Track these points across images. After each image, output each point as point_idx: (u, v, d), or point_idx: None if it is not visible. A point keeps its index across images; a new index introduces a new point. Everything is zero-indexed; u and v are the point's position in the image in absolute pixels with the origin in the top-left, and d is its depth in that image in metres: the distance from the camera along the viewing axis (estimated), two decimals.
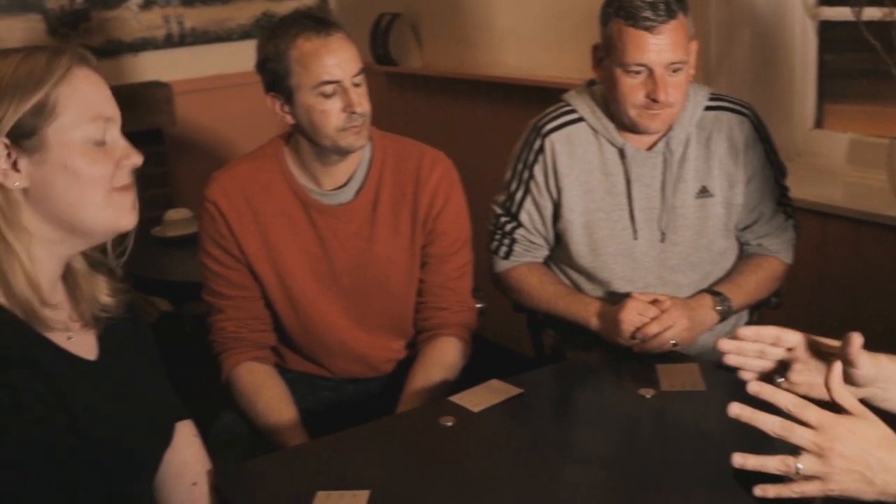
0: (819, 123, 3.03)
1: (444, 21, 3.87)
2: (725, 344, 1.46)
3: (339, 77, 1.94)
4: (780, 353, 1.46)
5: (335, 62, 1.94)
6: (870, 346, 2.73)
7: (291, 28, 1.95)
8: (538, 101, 3.36)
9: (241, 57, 4.03)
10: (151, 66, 3.95)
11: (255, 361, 2.11)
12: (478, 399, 1.83)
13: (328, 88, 1.94)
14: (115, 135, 1.38)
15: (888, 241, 2.62)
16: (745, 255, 2.25)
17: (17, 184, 1.31)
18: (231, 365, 2.10)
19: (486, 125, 3.71)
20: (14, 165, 1.31)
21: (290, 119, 2.02)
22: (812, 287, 2.72)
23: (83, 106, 1.33)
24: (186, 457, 1.63)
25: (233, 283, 2.10)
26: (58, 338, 1.37)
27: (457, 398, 1.83)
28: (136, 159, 1.39)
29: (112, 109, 1.38)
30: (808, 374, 1.48)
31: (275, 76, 1.98)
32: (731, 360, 1.48)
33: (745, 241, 2.24)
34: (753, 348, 1.47)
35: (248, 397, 2.07)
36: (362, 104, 1.97)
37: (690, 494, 1.52)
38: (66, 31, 3.77)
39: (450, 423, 1.75)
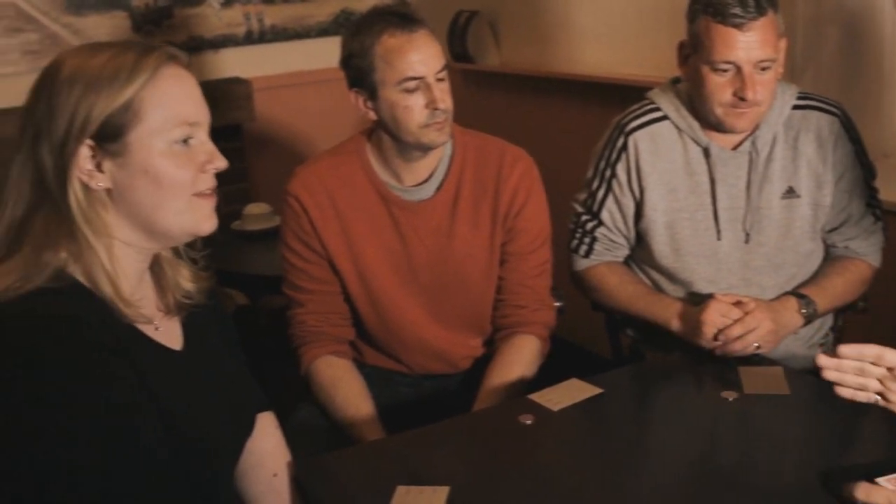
0: None
1: (523, 18, 3.84)
2: (824, 360, 1.42)
3: (422, 73, 1.95)
4: (880, 372, 1.42)
5: (419, 58, 1.94)
6: None
7: (376, 24, 1.96)
8: (617, 99, 3.34)
9: (320, 54, 4.14)
10: (232, 63, 4.00)
11: (334, 356, 2.12)
12: (557, 398, 1.81)
13: (412, 84, 1.95)
14: (201, 137, 1.37)
15: None
16: (831, 258, 2.20)
17: (100, 185, 1.32)
18: (311, 358, 2.11)
19: (563, 124, 3.69)
20: (98, 166, 1.32)
21: (373, 115, 2.03)
22: None
23: (168, 110, 1.33)
24: (267, 447, 1.65)
25: (314, 277, 2.12)
26: (145, 328, 1.39)
27: (536, 396, 1.82)
28: (221, 163, 1.38)
29: (199, 114, 1.37)
30: None
31: (359, 72, 1.99)
32: (828, 375, 1.44)
33: (831, 243, 2.19)
34: (853, 365, 1.43)
35: (327, 391, 2.08)
36: (445, 101, 1.98)
37: (772, 501, 1.50)
38: (150, 28, 3.83)
39: (529, 422, 1.74)
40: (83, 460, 1.20)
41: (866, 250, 2.18)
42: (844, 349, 1.42)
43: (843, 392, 1.44)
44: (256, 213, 3.25)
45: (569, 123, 3.65)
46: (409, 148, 2.03)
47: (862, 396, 1.43)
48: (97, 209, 1.32)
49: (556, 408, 1.78)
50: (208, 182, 1.38)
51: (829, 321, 2.26)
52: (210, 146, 1.38)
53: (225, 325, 1.61)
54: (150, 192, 1.33)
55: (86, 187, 1.32)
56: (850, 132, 2.13)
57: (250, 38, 4.05)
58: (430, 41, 1.98)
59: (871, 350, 1.42)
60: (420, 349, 2.17)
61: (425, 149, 2.03)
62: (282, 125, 4.13)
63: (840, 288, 2.14)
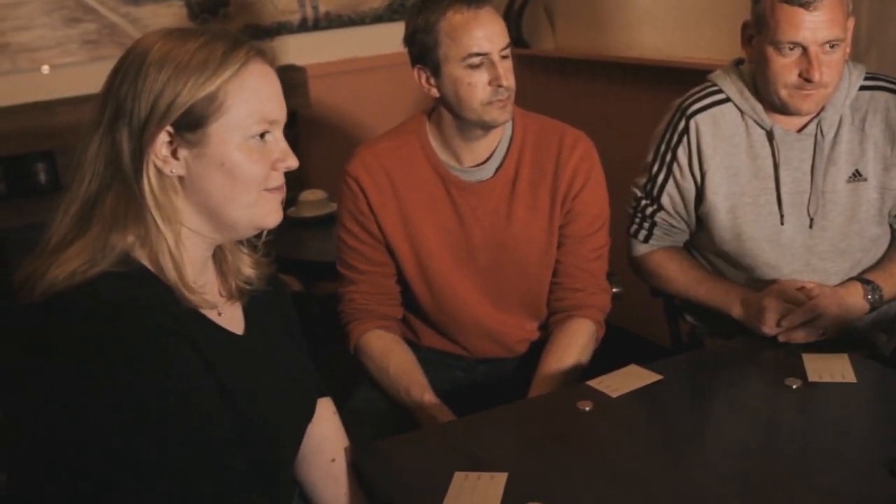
0: None
1: (578, 2, 3.81)
2: None
3: (487, 49, 1.94)
4: None
5: (484, 34, 1.94)
6: None
7: (442, 1, 1.96)
8: (675, 82, 3.28)
9: (374, 40, 4.14)
10: (287, 50, 4.01)
11: (383, 329, 2.14)
12: (616, 384, 1.79)
13: (476, 60, 1.94)
14: (277, 135, 1.38)
15: None
16: None
17: (174, 171, 1.33)
18: (359, 333, 2.13)
19: (620, 108, 3.64)
20: (174, 153, 1.32)
21: (435, 92, 2.02)
22: None
23: (251, 106, 1.33)
24: (326, 433, 1.65)
25: (368, 258, 2.13)
26: (209, 313, 1.39)
27: (595, 383, 1.80)
28: (293, 162, 1.39)
29: (279, 111, 1.38)
30: None
31: (423, 48, 1.99)
32: None
33: None
34: None
35: (378, 362, 2.10)
36: (508, 78, 1.97)
37: (839, 489, 1.46)
38: (206, 17, 3.86)
39: (588, 408, 1.72)
40: (148, 445, 1.21)
41: None
42: None
43: None
44: (312, 200, 3.26)
45: (626, 108, 3.61)
46: (470, 126, 2.02)
47: None
48: (169, 195, 1.33)
49: (614, 394, 1.76)
50: (279, 179, 1.39)
51: (893, 307, 2.20)
52: (284, 145, 1.39)
53: (285, 311, 1.61)
54: (222, 184, 1.34)
55: (159, 172, 1.32)
56: None
57: (305, 26, 4.06)
58: (495, 18, 1.98)
59: None
60: (475, 331, 2.17)
61: (487, 127, 2.02)
62: (336, 112, 4.14)
63: None
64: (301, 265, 3.06)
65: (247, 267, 1.50)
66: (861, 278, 2.06)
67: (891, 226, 2.14)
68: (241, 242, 1.50)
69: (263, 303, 1.52)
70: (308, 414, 1.59)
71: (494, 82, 1.95)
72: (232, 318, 1.46)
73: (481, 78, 1.95)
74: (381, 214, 2.08)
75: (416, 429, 1.95)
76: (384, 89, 3.97)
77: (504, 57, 1.97)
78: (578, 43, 3.84)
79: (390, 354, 2.10)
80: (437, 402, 2.01)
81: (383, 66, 3.93)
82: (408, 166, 2.09)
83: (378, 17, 4.15)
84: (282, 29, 4.02)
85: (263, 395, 1.41)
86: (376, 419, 2.08)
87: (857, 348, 2.04)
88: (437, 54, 1.97)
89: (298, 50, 4.02)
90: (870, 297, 2.02)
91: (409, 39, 2.02)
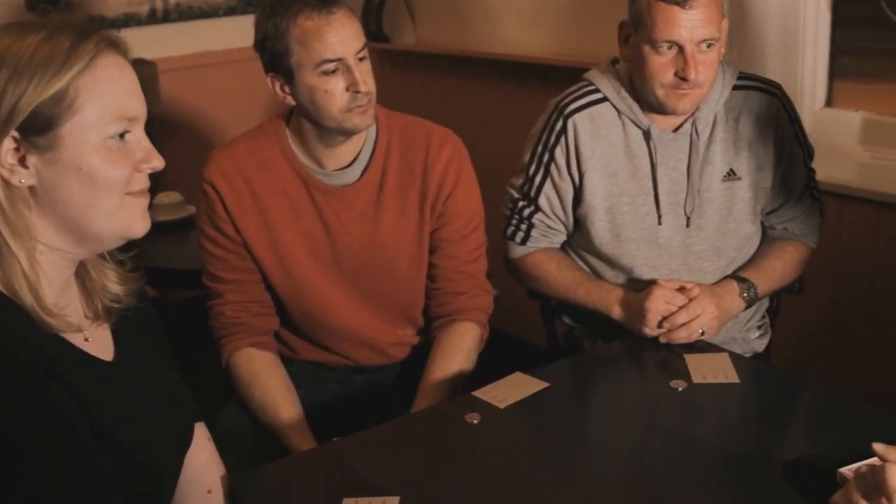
0: (829, 102, 2.96)
1: None
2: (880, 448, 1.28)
3: (341, 54, 1.86)
4: None
5: (338, 39, 1.86)
6: (883, 329, 2.68)
7: (292, 5, 1.87)
8: (541, 79, 3.29)
9: (228, 33, 3.98)
10: (135, 44, 3.69)
11: (255, 348, 2.04)
12: (503, 394, 1.75)
13: (331, 67, 1.86)
14: (138, 133, 1.26)
15: None
16: (768, 239, 2.17)
17: (23, 181, 1.20)
18: (230, 351, 2.03)
19: (485, 105, 3.62)
20: (22, 161, 1.19)
21: (290, 100, 1.94)
22: (829, 270, 2.65)
23: (107, 102, 1.21)
24: (201, 461, 1.54)
25: (232, 266, 2.03)
26: (74, 339, 1.27)
27: (481, 393, 1.75)
28: (158, 163, 1.28)
29: (138, 107, 1.26)
30: None
31: (275, 55, 1.90)
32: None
33: (770, 224, 2.16)
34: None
35: (244, 388, 2.01)
36: (367, 82, 1.90)
37: (729, 491, 1.47)
38: (46, 8, 3.62)
39: (476, 421, 1.67)
40: (14, 488, 1.09)
41: (804, 231, 2.17)
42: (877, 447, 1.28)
43: None
44: (167, 203, 3.11)
45: (491, 104, 3.58)
46: (330, 133, 1.95)
47: None
48: (19, 208, 1.20)
49: (502, 405, 1.71)
50: (143, 182, 1.27)
51: (765, 303, 2.24)
52: (147, 143, 1.27)
53: (155, 331, 1.49)
54: (80, 192, 1.21)
55: (6, 183, 1.19)
56: (790, 112, 2.10)
57: (154, 17, 3.87)
58: (348, 20, 1.90)
59: None
60: (349, 338, 2.10)
61: (348, 133, 1.95)
62: (190, 109, 3.96)
63: (780, 270, 2.12)
64: (157, 272, 2.89)
65: (113, 284, 1.38)
66: (736, 276, 2.07)
67: (762, 223, 2.16)
68: (104, 257, 1.37)
69: (132, 323, 1.40)
70: (186, 442, 1.48)
71: (352, 88, 1.88)
72: (99, 343, 1.33)
73: (338, 84, 1.88)
74: (240, 220, 1.99)
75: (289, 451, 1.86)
76: (240, 85, 3.82)
77: (361, 59, 1.89)
78: (440, 37, 3.80)
79: (256, 381, 2.00)
80: (301, 426, 1.94)
81: (238, 60, 3.76)
82: (267, 170, 2.00)
83: (232, 10, 3.99)
84: (129, 21, 3.81)
85: (140, 427, 1.30)
86: (247, 439, 1.98)
87: (733, 346, 2.07)
88: (289, 62, 1.88)
89: (147, 43, 3.79)
90: (745, 294, 2.04)
91: (260, 46, 1.93)
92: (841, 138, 2.84)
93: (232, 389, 2.04)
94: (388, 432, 1.68)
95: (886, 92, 3.06)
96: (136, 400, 1.33)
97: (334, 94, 1.88)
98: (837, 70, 2.93)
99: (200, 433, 1.56)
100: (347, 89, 1.88)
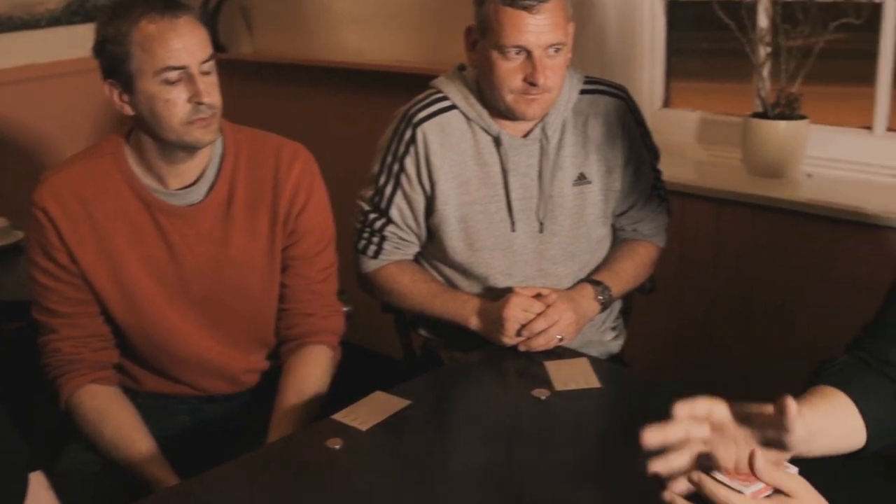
0: (667, 103, 3.03)
1: (276, 3, 3.68)
2: (652, 437, 1.21)
3: (185, 62, 1.76)
4: (704, 432, 1.24)
5: (181, 46, 1.76)
6: (727, 323, 2.76)
7: (135, 8, 1.76)
8: (384, 87, 3.25)
9: (52, 45, 3.76)
10: None
11: (97, 384, 1.91)
12: (364, 416, 1.69)
13: (173, 75, 1.76)
14: None
15: (746, 219, 2.64)
16: (619, 241, 2.20)
17: None
18: (70, 390, 1.90)
19: (326, 114, 3.55)
20: None
21: (129, 110, 1.82)
22: (675, 268, 2.71)
23: None
24: None
25: (68, 298, 1.90)
26: None
27: (342, 416, 1.68)
28: None
29: None
30: (733, 448, 1.25)
31: (113, 60, 1.78)
32: (658, 467, 1.21)
33: (620, 226, 2.19)
34: (678, 435, 1.23)
35: (93, 426, 1.88)
36: (211, 94, 1.80)
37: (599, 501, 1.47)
38: None
39: (338, 446, 1.60)
40: None
41: (653, 232, 2.20)
42: (678, 409, 1.26)
43: (679, 488, 1.21)
44: None
45: (334, 115, 3.52)
46: (171, 148, 1.84)
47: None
48: None
49: (364, 427, 1.65)
50: None
51: (619, 305, 2.26)
52: None
53: None
54: None
55: None
56: (636, 115, 2.13)
57: None
58: (195, 28, 1.80)
59: (703, 405, 1.25)
60: (198, 367, 1.99)
61: (190, 149, 1.85)
62: (15, 126, 3.72)
63: (631, 271, 2.14)
64: None
65: None
66: (590, 279, 2.08)
67: (613, 226, 2.18)
68: None
69: None
70: (20, 497, 1.35)
71: (195, 98, 1.78)
72: None
73: (180, 94, 1.77)
74: (75, 247, 1.86)
75: (140, 490, 1.75)
76: (70, 99, 3.62)
77: (206, 73, 1.80)
78: (279, 46, 3.72)
79: (105, 416, 1.88)
80: (159, 458, 1.83)
81: (66, 73, 3.58)
82: (105, 192, 1.87)
83: (55, 20, 3.76)
84: None
85: None
86: (93, 481, 1.86)
87: (590, 349, 2.07)
88: (129, 67, 1.77)
89: None
90: (601, 297, 2.05)
91: (98, 50, 1.81)
92: (679, 137, 2.92)
93: (77, 429, 1.91)
94: (248, 464, 1.58)
95: (719, 90, 3.18)
96: None
97: (175, 105, 1.77)
98: (674, 71, 3.01)
99: (38, 483, 1.44)
100: (189, 100, 1.78)
